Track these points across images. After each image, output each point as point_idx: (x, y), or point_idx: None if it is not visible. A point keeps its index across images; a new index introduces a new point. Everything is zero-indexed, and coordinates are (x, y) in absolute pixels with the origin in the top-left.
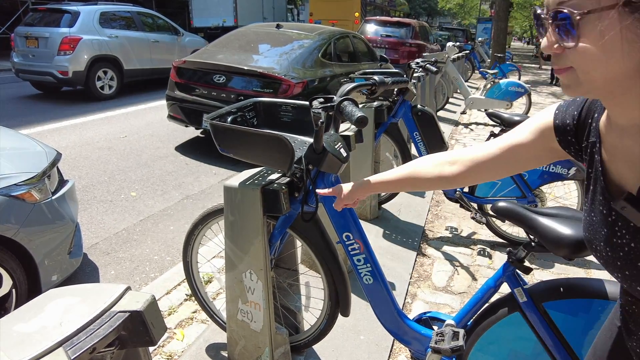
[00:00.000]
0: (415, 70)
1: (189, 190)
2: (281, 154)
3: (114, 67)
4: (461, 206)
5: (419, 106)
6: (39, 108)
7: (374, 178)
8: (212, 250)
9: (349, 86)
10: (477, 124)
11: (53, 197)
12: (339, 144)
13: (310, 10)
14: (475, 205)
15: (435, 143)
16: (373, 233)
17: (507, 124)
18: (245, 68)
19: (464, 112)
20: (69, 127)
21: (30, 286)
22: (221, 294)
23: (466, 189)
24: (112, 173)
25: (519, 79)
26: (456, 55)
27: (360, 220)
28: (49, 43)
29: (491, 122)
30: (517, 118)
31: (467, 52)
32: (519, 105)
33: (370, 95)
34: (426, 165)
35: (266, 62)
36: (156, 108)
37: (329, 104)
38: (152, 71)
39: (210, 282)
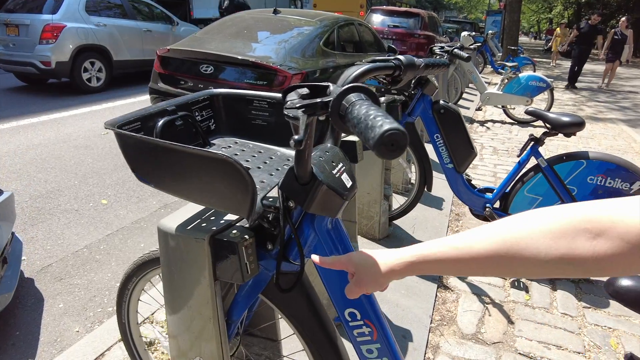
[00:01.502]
0: (439, 56)
1: (168, 197)
2: (232, 190)
3: (102, 57)
4: None
5: (441, 102)
6: (19, 101)
7: (422, 250)
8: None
9: (358, 69)
10: (494, 121)
11: None
12: (340, 165)
13: (314, 2)
14: None
15: (462, 149)
16: None
17: (554, 126)
18: (237, 57)
19: (479, 109)
20: (47, 122)
21: None
22: None
23: (497, 205)
24: (84, 176)
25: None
26: (471, 46)
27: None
28: (30, 31)
29: (508, 120)
30: (566, 119)
31: (479, 44)
32: (540, 101)
33: (390, 85)
34: (536, 233)
35: (261, 50)
36: (146, 102)
37: (317, 101)
38: (144, 62)
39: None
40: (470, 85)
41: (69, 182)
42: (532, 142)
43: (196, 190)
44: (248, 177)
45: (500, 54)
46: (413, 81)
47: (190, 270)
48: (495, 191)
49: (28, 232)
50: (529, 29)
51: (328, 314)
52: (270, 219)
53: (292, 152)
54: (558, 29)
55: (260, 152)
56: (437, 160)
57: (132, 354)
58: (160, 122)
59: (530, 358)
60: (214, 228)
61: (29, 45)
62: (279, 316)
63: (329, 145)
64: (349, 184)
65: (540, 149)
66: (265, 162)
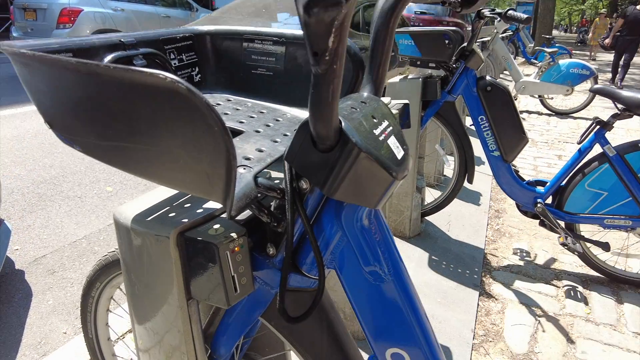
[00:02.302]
0: (488, 21)
1: None
2: (191, 149)
3: None
4: (541, 224)
5: (488, 77)
6: None
7: None
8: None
9: None
10: (530, 112)
11: None
12: (385, 124)
13: None
14: (562, 224)
15: (511, 134)
16: (415, 260)
17: (629, 106)
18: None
19: (514, 98)
20: None
21: None
22: None
23: (550, 200)
24: (91, 162)
25: None
26: (505, 32)
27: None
28: (47, 15)
29: (545, 111)
30: None
31: (511, 33)
32: (578, 93)
33: (462, 6)
34: None
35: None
36: None
37: None
38: None
39: None
40: (504, 72)
41: (74, 168)
42: (598, 127)
43: (134, 153)
44: (217, 122)
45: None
46: (455, 52)
47: (154, 282)
48: (548, 184)
49: (25, 220)
50: (559, 22)
51: (358, 351)
52: (271, 208)
53: (303, 113)
54: (597, 19)
55: (262, 112)
56: (482, 149)
57: None
58: (108, 58)
59: None
60: (186, 220)
61: (46, 30)
62: (288, 348)
63: (365, 94)
64: (399, 154)
65: (607, 135)
66: (268, 125)
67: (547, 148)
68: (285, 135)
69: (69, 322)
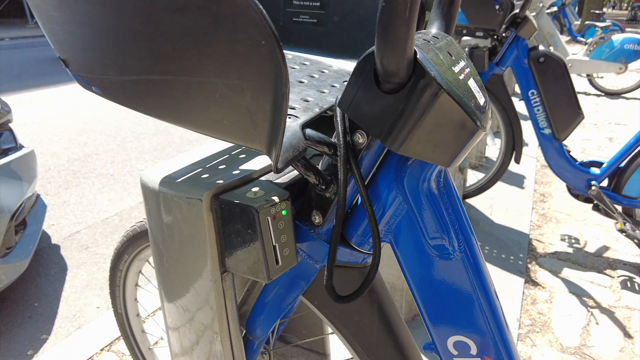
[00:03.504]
0: None
1: None
2: (231, 74)
3: None
4: (595, 208)
5: (541, 48)
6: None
7: None
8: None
9: None
10: (577, 92)
11: None
12: (462, 64)
13: None
14: (620, 209)
15: (565, 109)
16: None
17: None
18: None
19: None
20: None
21: None
22: None
23: (605, 183)
24: (123, 140)
25: None
26: (551, 7)
27: None
28: None
29: (594, 91)
30: None
31: (557, 9)
32: (631, 72)
33: None
34: None
35: None
36: None
37: None
38: None
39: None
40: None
41: (107, 146)
42: None
43: (159, 89)
44: (265, 26)
45: (578, 22)
46: (506, 20)
47: (184, 252)
48: (605, 165)
49: (61, 196)
50: None
51: (410, 336)
52: (319, 167)
53: (351, 64)
54: None
55: (304, 64)
56: (533, 128)
57: (133, 352)
58: None
59: None
60: (221, 181)
61: None
62: (330, 331)
63: (434, 30)
64: (481, 99)
65: None
66: (313, 76)
67: (597, 130)
68: (334, 86)
69: (102, 297)
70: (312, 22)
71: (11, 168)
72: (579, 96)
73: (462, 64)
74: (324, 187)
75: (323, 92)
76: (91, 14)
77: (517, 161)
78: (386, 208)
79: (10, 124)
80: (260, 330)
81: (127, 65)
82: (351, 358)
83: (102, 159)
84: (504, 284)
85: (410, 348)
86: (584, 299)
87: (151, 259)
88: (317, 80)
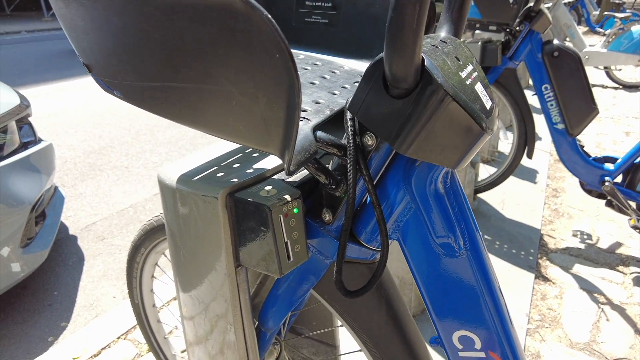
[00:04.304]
0: None
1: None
2: (247, 84)
3: None
4: (608, 204)
5: (555, 42)
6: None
7: None
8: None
9: None
10: (593, 85)
11: None
12: (470, 68)
13: None
14: (634, 206)
15: (579, 104)
16: None
17: None
18: None
19: None
20: None
21: None
22: None
23: (619, 179)
24: (137, 133)
25: None
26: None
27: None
28: None
29: (611, 84)
30: None
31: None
32: None
33: None
34: None
35: None
36: None
37: None
38: None
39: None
40: (566, 41)
41: (122, 139)
42: None
43: (179, 95)
44: (279, 41)
45: (597, 13)
46: (520, 13)
47: (200, 247)
48: (619, 161)
49: (77, 188)
50: None
51: (417, 330)
52: (330, 167)
53: (363, 65)
54: None
55: (316, 64)
56: (546, 123)
57: (149, 341)
58: None
59: None
60: (235, 180)
61: None
62: (340, 324)
63: (443, 34)
64: (488, 103)
65: None
66: (324, 77)
67: (613, 124)
68: (344, 87)
69: (118, 287)
70: (324, 22)
71: (31, 161)
72: (595, 89)
73: (469, 68)
74: (334, 186)
75: (334, 94)
76: (115, 24)
77: (530, 156)
78: (394, 207)
79: (29, 118)
80: (272, 322)
81: (148, 72)
82: (359, 350)
83: (117, 152)
84: (514, 279)
85: (417, 342)
86: (595, 295)
87: (167, 252)
88: (328, 81)
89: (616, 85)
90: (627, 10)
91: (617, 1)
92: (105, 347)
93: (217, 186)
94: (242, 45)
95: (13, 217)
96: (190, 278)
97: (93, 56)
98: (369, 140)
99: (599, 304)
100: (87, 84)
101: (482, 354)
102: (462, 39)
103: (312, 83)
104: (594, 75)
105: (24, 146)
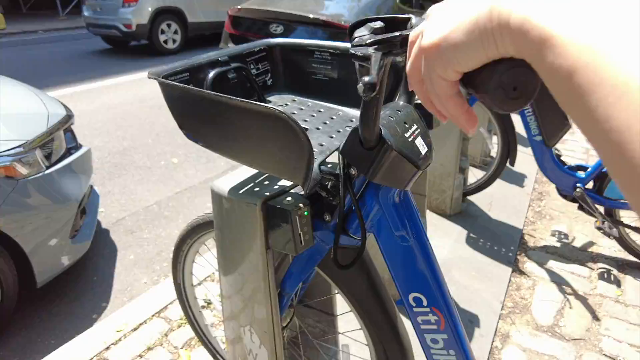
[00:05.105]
0: None
1: None
2: (286, 152)
3: (177, 19)
4: (580, 208)
5: None
6: (104, 63)
7: None
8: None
9: None
10: None
11: (49, 171)
12: (414, 127)
13: None
14: (601, 210)
15: (554, 119)
16: (453, 236)
17: None
18: (308, 16)
19: None
20: (127, 83)
21: (20, 278)
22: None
23: (590, 185)
24: (157, 135)
25: None
26: None
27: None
28: None
29: None
30: None
31: None
32: None
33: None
34: None
35: (333, 8)
36: None
37: (396, 35)
38: (218, 24)
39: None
40: None
41: (143, 140)
42: None
43: (246, 151)
44: (304, 137)
45: None
46: None
47: (242, 236)
48: (589, 169)
49: (106, 186)
50: None
51: (389, 295)
52: (328, 187)
53: (356, 113)
54: None
55: (320, 111)
56: (525, 133)
57: (187, 314)
58: (211, 74)
59: None
60: (267, 193)
61: (113, 9)
62: (336, 291)
63: (401, 103)
64: (423, 150)
65: None
66: (325, 123)
67: None
68: (339, 131)
69: (147, 274)
70: (324, 79)
71: (76, 164)
72: None
73: (413, 128)
74: (331, 198)
75: (332, 137)
76: (208, 112)
77: (512, 164)
78: (370, 211)
79: (72, 126)
80: (289, 287)
81: (226, 137)
82: (349, 310)
83: (139, 152)
84: (494, 272)
85: (388, 302)
86: (563, 287)
87: (207, 242)
88: (328, 126)
89: None
90: None
91: None
92: (142, 323)
93: (256, 197)
94: (284, 134)
95: (64, 212)
96: (233, 258)
97: (186, 123)
98: (353, 171)
99: (565, 294)
100: (105, 87)
101: (428, 309)
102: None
103: (318, 128)
104: None
105: (68, 151)
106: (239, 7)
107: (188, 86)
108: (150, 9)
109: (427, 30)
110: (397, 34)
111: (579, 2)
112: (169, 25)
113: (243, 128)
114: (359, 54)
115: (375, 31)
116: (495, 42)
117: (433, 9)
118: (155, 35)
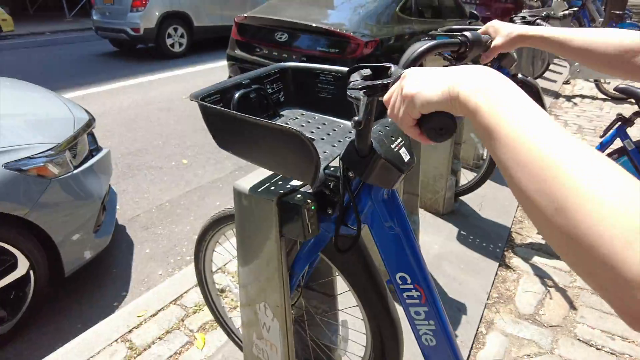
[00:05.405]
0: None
1: (242, 161)
2: (299, 160)
3: (184, 23)
4: None
5: (520, 75)
6: (112, 66)
7: (528, 30)
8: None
9: (420, 47)
10: (583, 96)
11: (76, 171)
12: (399, 140)
13: None
14: None
15: None
16: (445, 233)
17: None
18: (311, 25)
19: (567, 82)
20: (135, 85)
21: (51, 268)
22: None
23: None
24: (167, 137)
25: None
26: (564, 12)
27: (430, 214)
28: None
29: (601, 96)
30: None
31: (576, 9)
32: None
33: (456, 60)
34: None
35: (336, 17)
36: (223, 68)
37: (377, 83)
38: (223, 28)
39: (226, 295)
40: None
41: (154, 142)
42: (619, 123)
43: (268, 158)
44: (313, 149)
45: (602, 20)
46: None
47: (260, 227)
48: None
49: (120, 185)
50: None
51: (381, 276)
52: (331, 186)
53: None
54: None
55: (324, 123)
56: None
57: (206, 298)
58: (237, 95)
59: (590, 346)
60: (282, 191)
61: (121, 13)
62: (336, 274)
63: (389, 120)
64: (406, 158)
65: (629, 131)
66: (329, 134)
67: (593, 134)
68: (340, 141)
69: (163, 267)
70: (328, 97)
71: (98, 165)
72: (586, 100)
73: (398, 140)
74: (333, 196)
75: (334, 146)
76: (238, 130)
77: None
78: (364, 206)
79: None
80: (298, 269)
81: (253, 148)
82: (347, 290)
83: (150, 154)
84: (481, 266)
85: (379, 282)
86: (545, 280)
87: (226, 233)
88: (331, 137)
89: (605, 97)
90: (626, 23)
91: (618, 12)
92: (160, 310)
93: (272, 194)
94: (299, 149)
95: (88, 209)
96: (252, 245)
97: (220, 137)
98: (351, 174)
99: (547, 287)
100: (115, 90)
101: (411, 286)
102: None
103: (322, 138)
104: (586, 87)
105: (90, 153)
106: (245, 15)
107: (223, 109)
108: (157, 14)
109: (407, 85)
110: (378, 82)
111: (496, 95)
112: (175, 29)
113: (265, 141)
114: (352, 96)
115: (364, 77)
116: (450, 104)
117: (409, 71)
118: (162, 39)
